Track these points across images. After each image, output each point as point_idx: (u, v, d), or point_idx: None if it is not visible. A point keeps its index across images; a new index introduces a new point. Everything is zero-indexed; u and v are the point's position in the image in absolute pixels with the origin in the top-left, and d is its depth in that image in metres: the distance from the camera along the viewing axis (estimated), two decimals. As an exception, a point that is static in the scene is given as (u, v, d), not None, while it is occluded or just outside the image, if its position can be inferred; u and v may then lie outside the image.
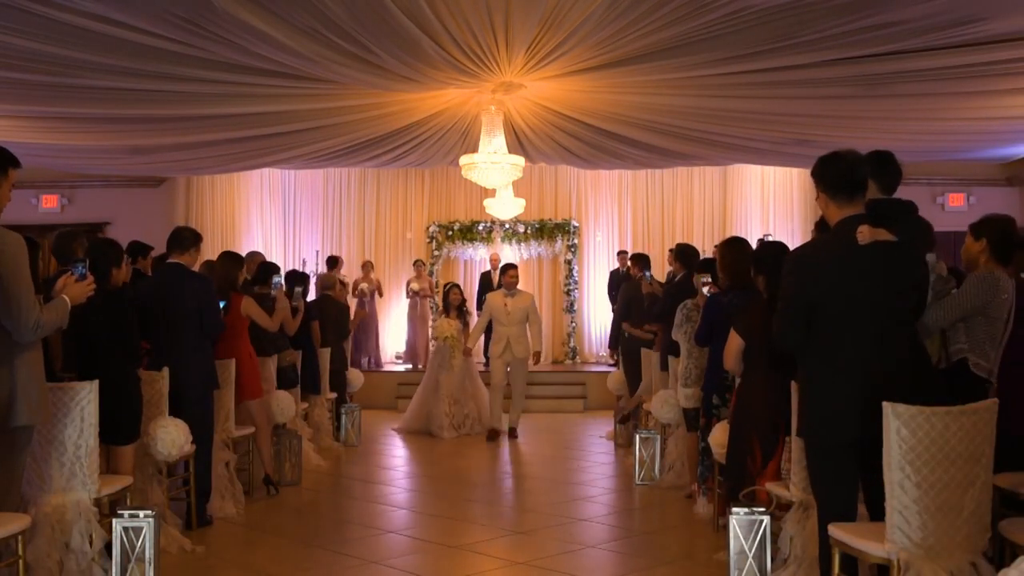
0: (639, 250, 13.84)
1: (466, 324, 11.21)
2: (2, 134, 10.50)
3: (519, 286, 11.14)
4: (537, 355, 11.19)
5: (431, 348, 12.69)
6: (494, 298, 10.95)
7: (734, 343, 5.19)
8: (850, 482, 3.92)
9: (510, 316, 10.70)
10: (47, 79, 8.27)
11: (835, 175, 3.88)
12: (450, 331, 10.96)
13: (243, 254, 8.02)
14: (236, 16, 6.72)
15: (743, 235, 9.94)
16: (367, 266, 15.32)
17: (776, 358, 4.67)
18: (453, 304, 11.29)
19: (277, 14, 6.87)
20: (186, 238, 6.43)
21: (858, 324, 3.73)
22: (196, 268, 6.96)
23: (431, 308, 15.17)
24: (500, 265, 11.96)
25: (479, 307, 12.91)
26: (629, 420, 10.70)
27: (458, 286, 11.71)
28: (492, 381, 10.88)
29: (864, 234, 3.77)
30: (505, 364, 10.76)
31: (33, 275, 5.38)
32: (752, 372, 5.12)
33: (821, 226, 5.41)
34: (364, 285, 14.91)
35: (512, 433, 10.72)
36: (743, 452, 5.11)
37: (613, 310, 11.97)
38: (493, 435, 10.60)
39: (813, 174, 3.96)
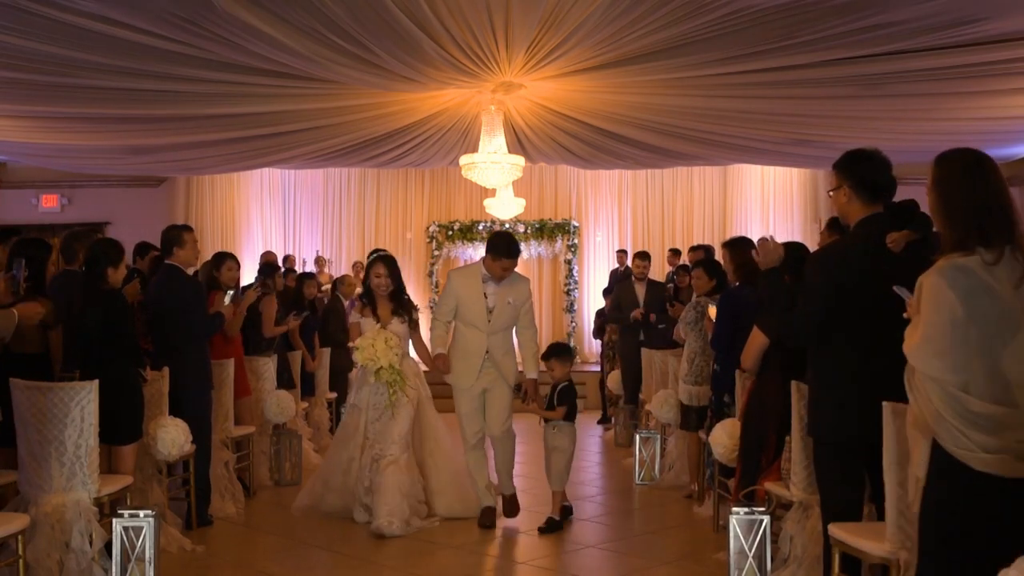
0: (639, 249, 13.84)
1: (413, 326, 6.54)
2: (2, 134, 10.51)
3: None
4: (533, 384, 6.40)
5: (354, 376, 8.05)
6: (466, 279, 6.42)
7: (758, 340, 5.10)
8: (856, 482, 3.92)
9: (494, 315, 6.29)
10: (47, 79, 8.27)
11: (865, 173, 3.86)
12: (385, 356, 6.15)
13: (241, 253, 7.94)
14: (236, 16, 6.72)
15: (743, 235, 9.94)
16: (358, 267, 15.26)
17: (790, 358, 4.62)
18: (382, 295, 6.49)
19: (277, 14, 6.87)
20: (169, 239, 6.36)
21: (880, 323, 3.64)
22: (198, 266, 6.98)
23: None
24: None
25: None
26: (611, 420, 10.78)
27: (387, 259, 6.60)
28: (464, 431, 6.43)
29: (898, 242, 3.79)
30: (480, 398, 6.38)
31: (42, 276, 5.42)
32: (770, 371, 5.06)
33: (833, 226, 5.40)
34: (359, 290, 14.86)
35: (511, 506, 6.56)
36: (759, 451, 5.08)
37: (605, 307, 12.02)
38: (488, 517, 6.39)
39: (839, 168, 3.91)
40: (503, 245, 6.28)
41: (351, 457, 6.53)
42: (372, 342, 6.17)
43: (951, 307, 2.78)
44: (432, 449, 6.63)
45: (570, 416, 6.36)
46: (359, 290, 14.39)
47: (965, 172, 2.94)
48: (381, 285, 6.47)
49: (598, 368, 12.50)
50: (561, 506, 6.41)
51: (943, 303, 2.80)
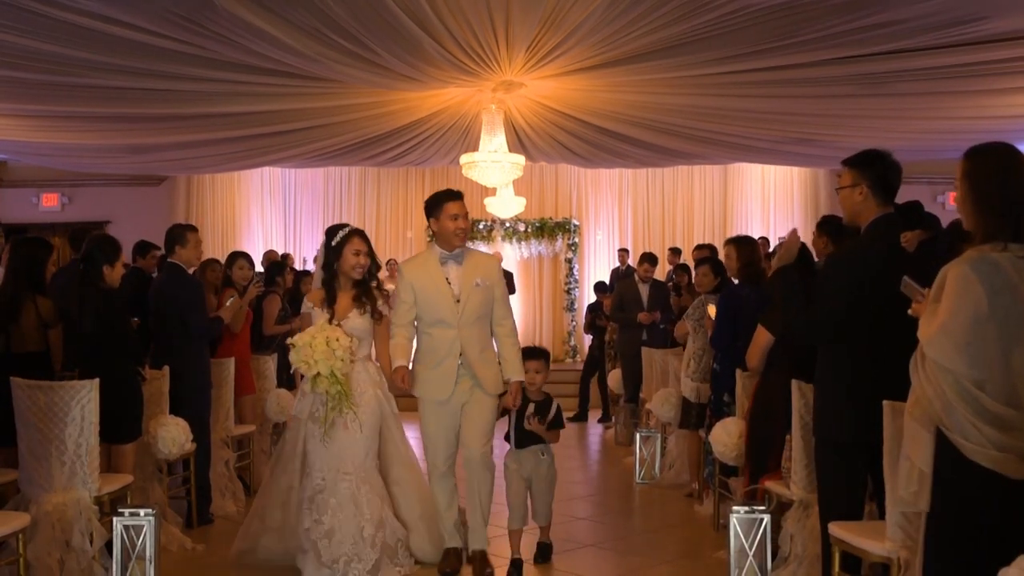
0: (642, 249, 13.83)
1: (377, 319, 5.21)
2: (2, 132, 10.51)
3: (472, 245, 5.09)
4: (518, 387, 5.20)
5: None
6: (421, 267, 5.29)
7: (763, 339, 5.09)
8: (858, 482, 3.92)
9: (463, 303, 5.12)
10: (48, 78, 8.27)
11: (884, 173, 3.87)
12: (325, 359, 4.74)
13: (246, 252, 7.91)
14: (237, 15, 6.72)
15: (744, 234, 9.95)
16: (392, 264, 14.98)
17: (800, 357, 4.61)
18: (348, 273, 5.19)
19: (278, 13, 6.87)
20: (172, 237, 6.36)
21: (888, 324, 3.66)
22: (199, 264, 7.01)
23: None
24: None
25: None
26: (610, 418, 10.81)
27: (363, 233, 5.33)
28: (429, 454, 5.27)
29: (911, 241, 3.80)
30: (455, 412, 5.19)
31: (42, 275, 5.44)
32: (775, 371, 5.05)
33: (824, 227, 5.40)
34: (391, 287, 14.66)
35: (482, 565, 5.15)
36: (767, 451, 5.07)
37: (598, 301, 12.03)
38: (451, 564, 5.19)
39: (857, 166, 3.89)
40: (438, 194, 5.27)
41: (290, 485, 5.22)
42: (310, 340, 4.77)
43: (977, 301, 2.77)
44: (399, 478, 5.28)
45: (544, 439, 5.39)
46: (391, 287, 14.21)
47: (1000, 165, 2.95)
48: (360, 265, 5.17)
49: (593, 365, 12.41)
50: (547, 543, 5.54)
51: (970, 296, 2.78)
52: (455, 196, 5.20)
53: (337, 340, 4.78)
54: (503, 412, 5.30)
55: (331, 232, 5.25)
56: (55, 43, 7.29)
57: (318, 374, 4.77)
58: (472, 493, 5.16)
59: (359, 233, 5.25)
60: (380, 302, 5.26)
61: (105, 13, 6.67)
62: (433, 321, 5.14)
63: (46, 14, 6.63)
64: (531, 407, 5.28)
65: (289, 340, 4.98)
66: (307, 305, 5.28)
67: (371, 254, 5.25)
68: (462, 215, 5.16)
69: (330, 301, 5.14)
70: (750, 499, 4.89)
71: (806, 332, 4.05)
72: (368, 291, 5.21)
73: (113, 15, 6.73)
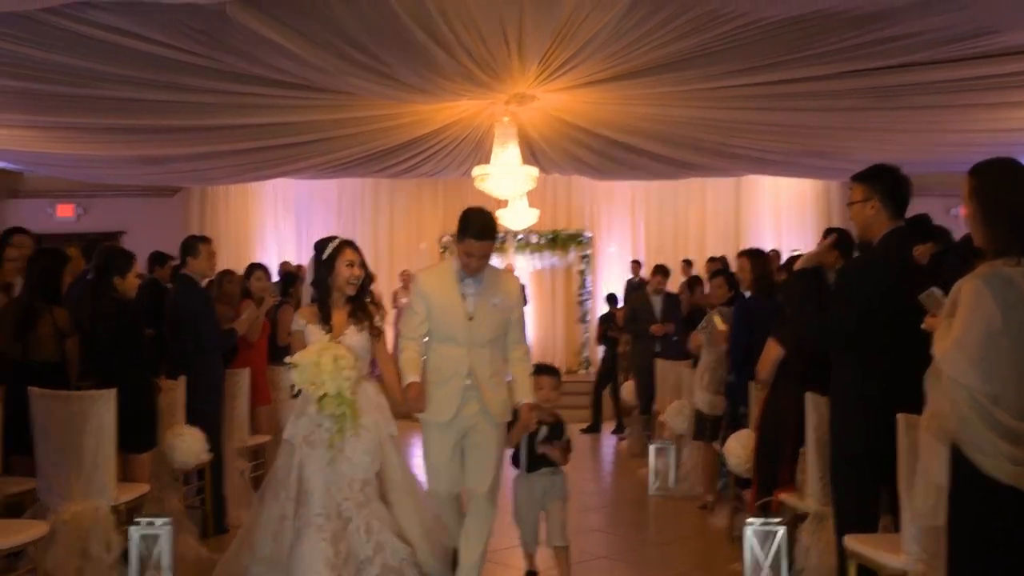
0: (655, 261, 13.83)
1: (376, 335, 4.89)
2: (18, 144, 10.59)
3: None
4: (528, 410, 4.80)
5: (286, 417, 5.53)
6: (437, 279, 4.91)
7: (773, 352, 5.13)
8: (873, 494, 3.92)
9: (476, 322, 4.75)
10: (63, 90, 8.33)
11: (894, 186, 3.91)
12: (333, 379, 4.47)
13: (263, 264, 7.97)
14: (251, 28, 6.77)
15: (756, 247, 9.95)
16: (405, 276, 14.89)
17: (807, 369, 4.63)
18: (342, 288, 4.86)
19: (292, 26, 6.92)
20: (184, 249, 6.44)
21: (900, 337, 3.68)
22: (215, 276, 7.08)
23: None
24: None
25: None
26: (624, 429, 10.82)
27: (354, 243, 4.98)
28: (431, 481, 4.90)
29: (924, 254, 3.83)
30: (457, 437, 4.78)
31: (58, 286, 5.50)
32: (786, 382, 5.07)
33: (836, 244, 5.40)
34: (405, 300, 14.63)
35: None
36: (775, 462, 5.08)
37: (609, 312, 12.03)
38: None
39: (868, 180, 3.94)
40: (472, 223, 4.69)
41: (282, 515, 4.71)
42: (316, 359, 4.49)
43: (990, 316, 2.78)
44: (398, 501, 4.86)
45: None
46: (406, 300, 14.13)
47: (1006, 180, 3.00)
48: (354, 277, 4.83)
49: (606, 377, 12.39)
50: None
51: (983, 311, 2.80)
52: (482, 236, 4.68)
53: (343, 358, 4.52)
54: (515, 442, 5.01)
55: (320, 246, 4.94)
56: (70, 55, 7.34)
57: (325, 394, 4.49)
58: (469, 536, 4.76)
59: (350, 244, 4.94)
60: (376, 317, 4.95)
61: (121, 26, 6.72)
62: (443, 337, 4.78)
63: (62, 27, 6.69)
64: (544, 430, 5.04)
65: (289, 359, 4.63)
66: (299, 322, 4.87)
67: (364, 265, 4.94)
68: (478, 255, 4.69)
69: (325, 318, 4.81)
70: (764, 511, 4.89)
71: (819, 336, 4.09)
72: (363, 307, 4.90)
73: (129, 28, 6.79)
